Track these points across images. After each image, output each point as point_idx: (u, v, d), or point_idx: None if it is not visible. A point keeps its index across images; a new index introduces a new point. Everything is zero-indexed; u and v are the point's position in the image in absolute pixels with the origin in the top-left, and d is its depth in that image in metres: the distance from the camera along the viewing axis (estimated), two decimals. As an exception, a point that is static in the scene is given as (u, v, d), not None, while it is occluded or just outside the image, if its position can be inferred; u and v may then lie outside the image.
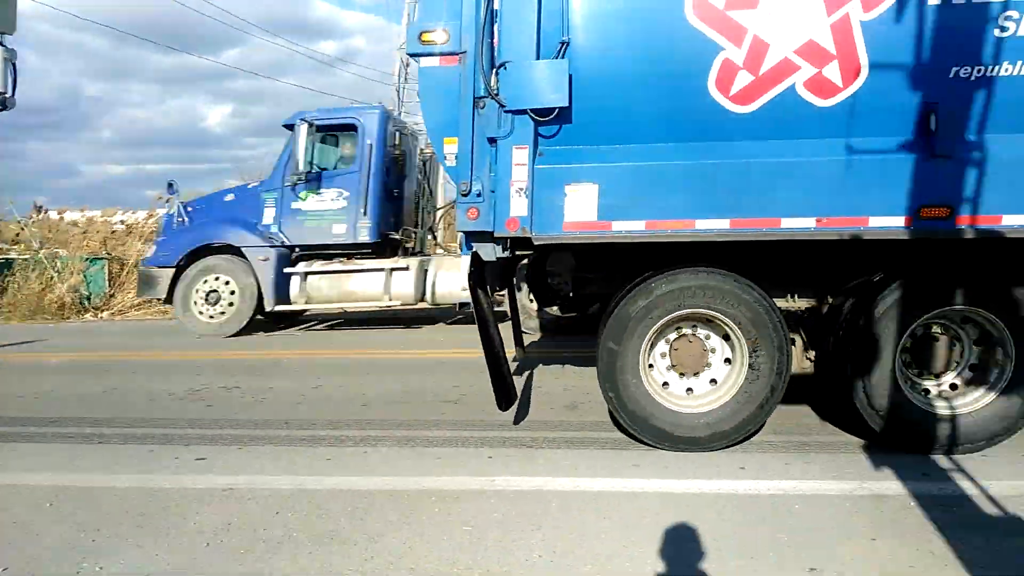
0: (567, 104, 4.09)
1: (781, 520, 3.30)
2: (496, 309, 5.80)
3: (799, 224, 4.06)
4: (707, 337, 4.44)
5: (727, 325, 4.27)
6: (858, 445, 4.33)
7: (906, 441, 4.18)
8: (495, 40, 4.20)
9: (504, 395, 4.61)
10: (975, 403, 4.18)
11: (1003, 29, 3.86)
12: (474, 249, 4.48)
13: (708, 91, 4.07)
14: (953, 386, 4.31)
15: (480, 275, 4.94)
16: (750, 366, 4.22)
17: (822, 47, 4.00)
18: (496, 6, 4.17)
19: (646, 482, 3.81)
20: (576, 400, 5.58)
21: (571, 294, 5.30)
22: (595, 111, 4.17)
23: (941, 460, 4.03)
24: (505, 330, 5.21)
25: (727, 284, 4.19)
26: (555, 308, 5.67)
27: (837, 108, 4.04)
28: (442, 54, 4.36)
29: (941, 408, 4.19)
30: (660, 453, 4.24)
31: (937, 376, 4.34)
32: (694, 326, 4.44)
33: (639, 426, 4.31)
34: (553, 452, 4.37)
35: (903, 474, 3.81)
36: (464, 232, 4.47)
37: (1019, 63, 3.86)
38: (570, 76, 4.04)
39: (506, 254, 4.51)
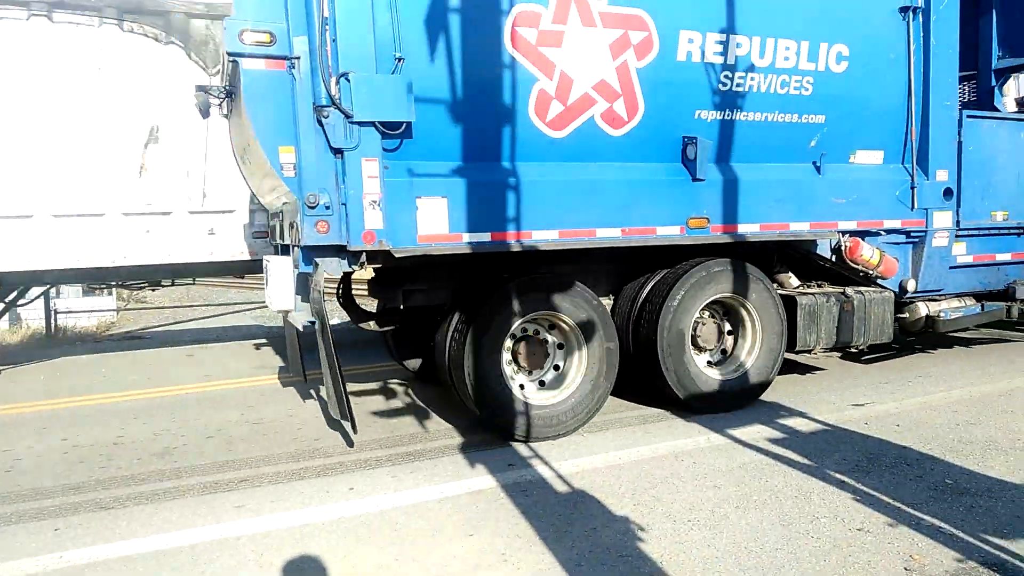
0: (414, 119, 4.24)
1: (388, 536, 3.35)
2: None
3: (610, 234, 4.87)
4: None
5: (566, 323, 4.86)
6: (456, 447, 4.66)
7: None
8: (329, 48, 4.07)
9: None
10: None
11: (723, 84, 5.12)
12: (319, 265, 4.28)
13: (529, 116, 4.63)
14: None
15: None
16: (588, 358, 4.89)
17: (611, 86, 4.82)
18: (326, 13, 4.02)
19: (255, 521, 3.55)
20: (171, 445, 4.98)
21: (401, 307, 5.05)
22: (436, 129, 4.40)
23: (522, 448, 4.56)
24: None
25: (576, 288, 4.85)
26: (371, 323, 5.33)
27: (626, 138, 4.94)
28: (268, 57, 4.12)
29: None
30: (266, 489, 4.00)
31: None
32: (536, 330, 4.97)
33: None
34: (140, 509, 3.81)
35: (493, 467, 4.20)
36: (308, 247, 4.22)
37: (738, 111, 5.23)
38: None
39: (353, 268, 4.38)
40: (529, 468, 4.20)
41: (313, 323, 4.48)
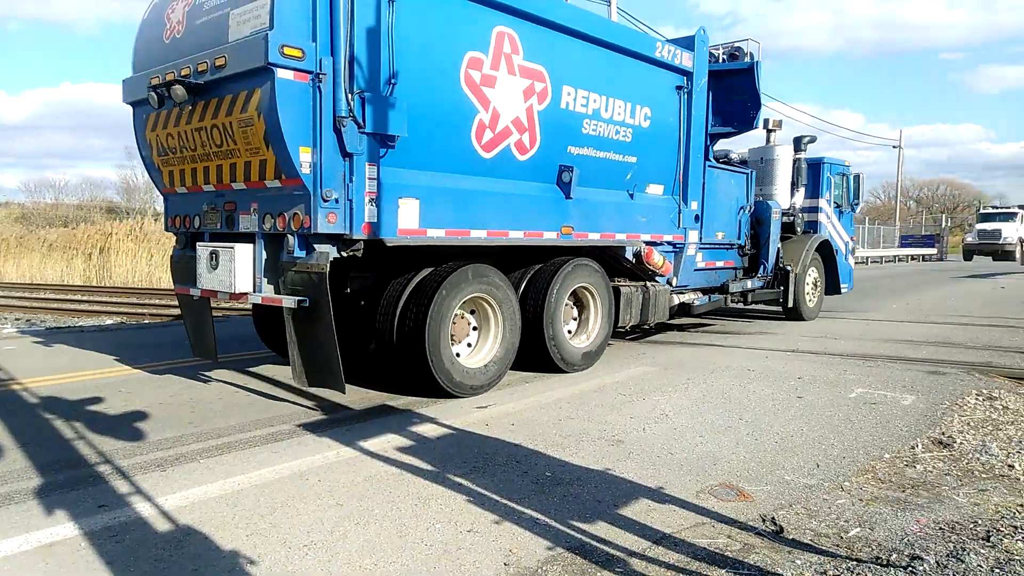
0: (407, 135, 5.43)
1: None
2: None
3: (518, 236, 6.55)
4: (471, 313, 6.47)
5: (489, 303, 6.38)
6: (31, 490, 3.87)
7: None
8: (349, 70, 5.10)
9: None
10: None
11: (584, 128, 7.05)
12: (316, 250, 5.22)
13: (471, 139, 6.06)
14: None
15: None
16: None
17: (522, 122, 6.48)
18: (350, 42, 5.08)
19: None
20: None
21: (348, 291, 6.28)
22: (411, 144, 5.56)
23: (120, 484, 3.96)
24: None
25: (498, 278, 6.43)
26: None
27: (528, 163, 6.61)
28: (298, 70, 4.95)
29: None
30: None
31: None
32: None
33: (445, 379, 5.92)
34: None
35: (78, 511, 3.56)
36: (310, 234, 5.14)
37: (592, 149, 7.21)
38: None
39: (342, 255, 5.33)
40: (126, 507, 3.65)
41: (304, 301, 5.21)
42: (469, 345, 6.42)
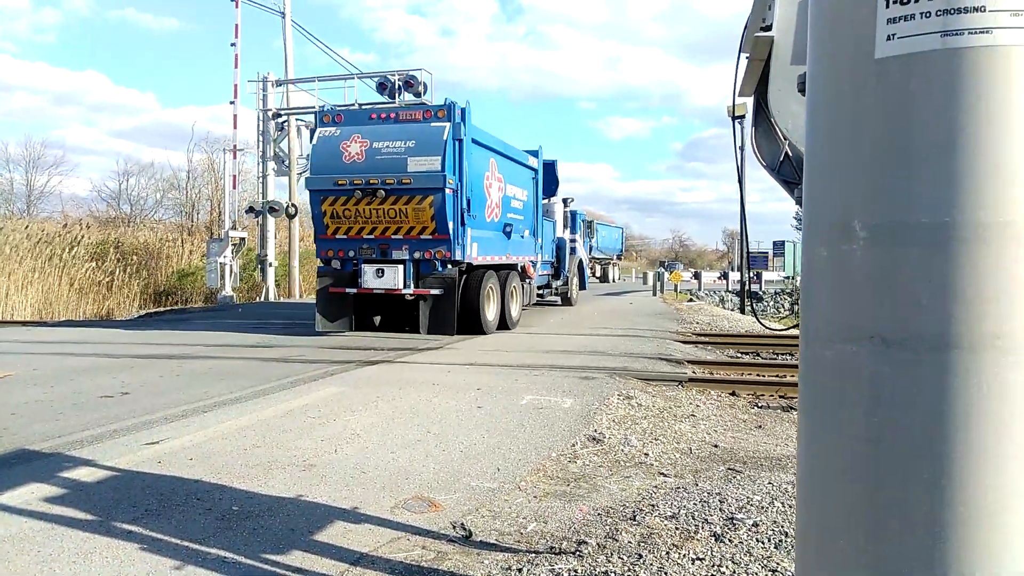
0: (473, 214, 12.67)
1: None
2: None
3: (496, 258, 13.62)
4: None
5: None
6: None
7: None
8: (464, 187, 12.01)
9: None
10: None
11: (511, 202, 14.59)
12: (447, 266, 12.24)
13: (484, 213, 13.16)
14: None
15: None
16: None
17: (495, 203, 13.65)
18: (463, 173, 11.94)
19: None
20: None
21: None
22: (473, 217, 12.57)
23: None
24: None
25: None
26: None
27: (497, 223, 13.75)
28: (450, 188, 11.61)
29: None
30: None
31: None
32: None
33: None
34: None
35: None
36: (449, 260, 11.98)
37: (513, 214, 14.73)
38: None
39: (449, 269, 12.02)
40: None
41: (441, 291, 11.85)
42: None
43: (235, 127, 22.84)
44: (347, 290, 12.13)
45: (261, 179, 23.43)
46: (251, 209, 23.21)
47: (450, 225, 11.49)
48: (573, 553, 3.43)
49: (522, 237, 15.03)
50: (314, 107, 22.91)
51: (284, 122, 23.32)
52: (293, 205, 23.21)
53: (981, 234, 1.31)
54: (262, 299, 23.52)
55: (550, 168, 17.73)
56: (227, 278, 21.67)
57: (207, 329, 13.64)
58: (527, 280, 15.36)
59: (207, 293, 24.06)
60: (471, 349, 10.76)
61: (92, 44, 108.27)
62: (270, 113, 22.88)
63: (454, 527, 3.74)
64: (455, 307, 11.92)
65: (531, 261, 15.49)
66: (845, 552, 1.48)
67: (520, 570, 3.24)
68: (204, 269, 22.97)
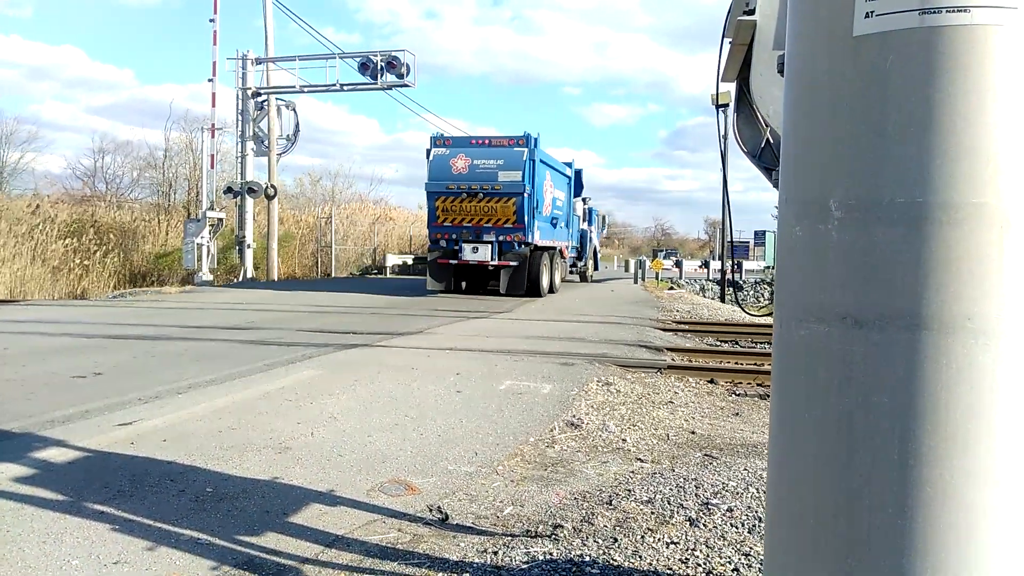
0: (541, 210, 19.15)
1: None
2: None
3: (548, 242, 19.89)
4: None
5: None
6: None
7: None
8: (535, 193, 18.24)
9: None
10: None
11: (556, 202, 20.80)
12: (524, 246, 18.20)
13: (542, 209, 19.32)
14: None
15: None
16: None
17: (548, 202, 19.61)
18: (533, 180, 17.82)
19: None
20: None
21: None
22: (539, 213, 18.90)
23: None
24: None
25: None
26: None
27: (548, 216, 19.71)
28: (526, 193, 17.45)
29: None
30: None
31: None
32: None
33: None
34: None
35: None
36: (523, 241, 17.77)
37: (555, 209, 20.83)
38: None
39: (521, 248, 17.90)
40: None
41: (516, 263, 17.74)
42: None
43: (213, 105, 22.52)
44: (450, 261, 17.93)
45: (240, 159, 23.15)
46: (229, 189, 22.95)
47: (525, 218, 17.22)
48: (549, 536, 3.43)
49: (562, 227, 21.05)
50: (294, 86, 22.68)
51: (264, 101, 23.05)
52: (272, 186, 22.99)
53: (955, 215, 1.31)
54: (239, 280, 23.31)
55: (578, 175, 23.59)
56: (204, 259, 21.45)
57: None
58: (563, 259, 21.55)
59: (184, 274, 23.80)
60: (451, 334, 10.74)
61: (69, 18, 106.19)
62: (250, 92, 22.59)
63: (431, 510, 3.73)
64: (526, 275, 17.61)
65: (566, 246, 21.88)
66: (815, 530, 1.49)
67: (496, 553, 3.24)
68: (181, 250, 22.70)
